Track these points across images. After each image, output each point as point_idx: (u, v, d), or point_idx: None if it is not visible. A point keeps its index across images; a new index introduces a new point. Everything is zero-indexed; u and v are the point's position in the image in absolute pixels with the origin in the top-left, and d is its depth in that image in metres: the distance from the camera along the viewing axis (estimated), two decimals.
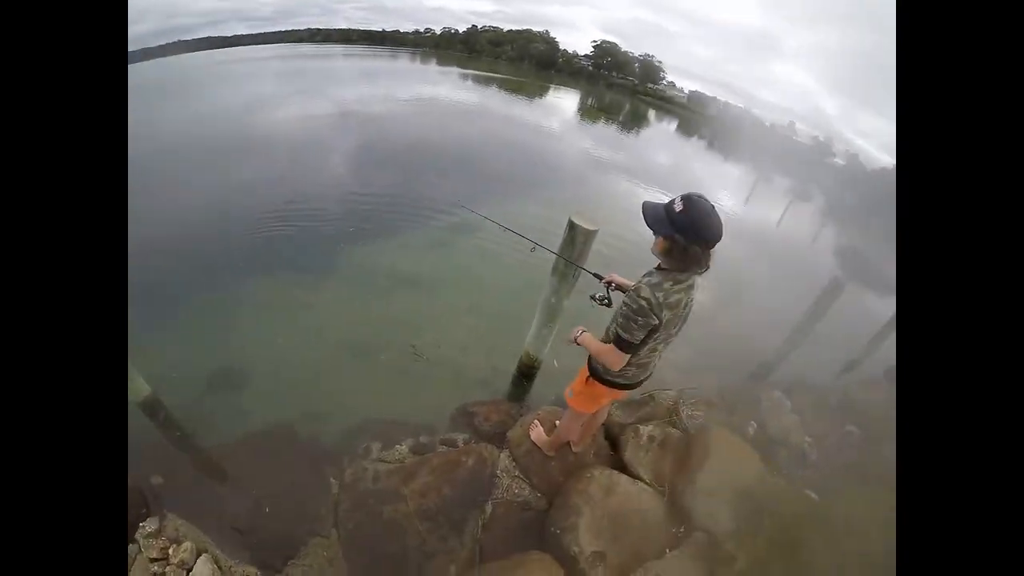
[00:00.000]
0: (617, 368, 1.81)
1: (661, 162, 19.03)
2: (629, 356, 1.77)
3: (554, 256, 3.00)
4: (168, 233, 5.66)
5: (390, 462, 3.04)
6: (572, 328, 2.08)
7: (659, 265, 1.71)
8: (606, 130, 23.80)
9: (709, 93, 74.00)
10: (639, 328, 1.66)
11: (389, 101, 19.45)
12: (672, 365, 4.93)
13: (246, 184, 7.93)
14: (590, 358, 2.09)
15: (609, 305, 2.13)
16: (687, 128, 43.51)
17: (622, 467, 3.00)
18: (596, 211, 4.13)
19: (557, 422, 3.03)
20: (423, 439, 3.26)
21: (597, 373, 2.08)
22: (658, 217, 1.57)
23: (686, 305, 1.73)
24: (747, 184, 19.86)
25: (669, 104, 64.30)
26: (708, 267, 1.62)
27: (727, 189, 17.65)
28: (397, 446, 3.17)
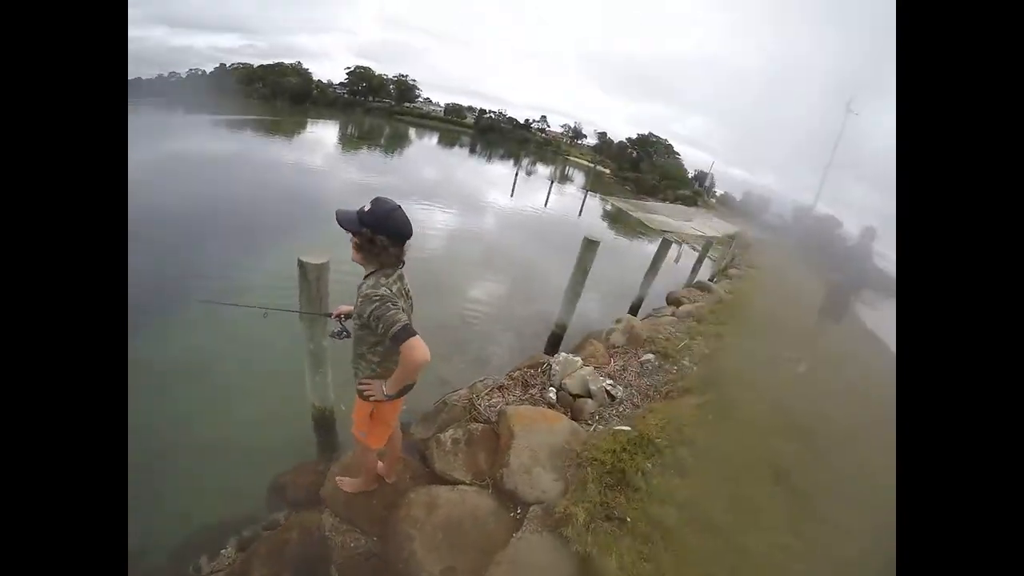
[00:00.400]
0: (427, 357, 1.71)
1: (428, 176, 19.81)
2: (419, 338, 1.72)
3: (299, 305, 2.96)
4: None
5: (222, 570, 2.76)
6: (360, 385, 2.04)
7: (365, 275, 1.84)
8: (370, 157, 23.74)
9: (465, 103, 79.07)
10: (398, 311, 1.71)
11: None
12: (459, 361, 5.00)
13: None
14: (359, 392, 2.06)
15: (349, 335, 2.12)
16: (448, 140, 46.38)
17: (438, 479, 2.95)
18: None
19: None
20: (246, 533, 3.01)
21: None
22: (348, 217, 1.75)
23: (408, 296, 1.92)
24: (510, 179, 21.93)
25: (428, 120, 67.05)
26: (403, 262, 1.84)
27: (495, 186, 19.44)
28: (223, 551, 2.90)
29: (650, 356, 4.99)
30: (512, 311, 6.89)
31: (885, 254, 4.64)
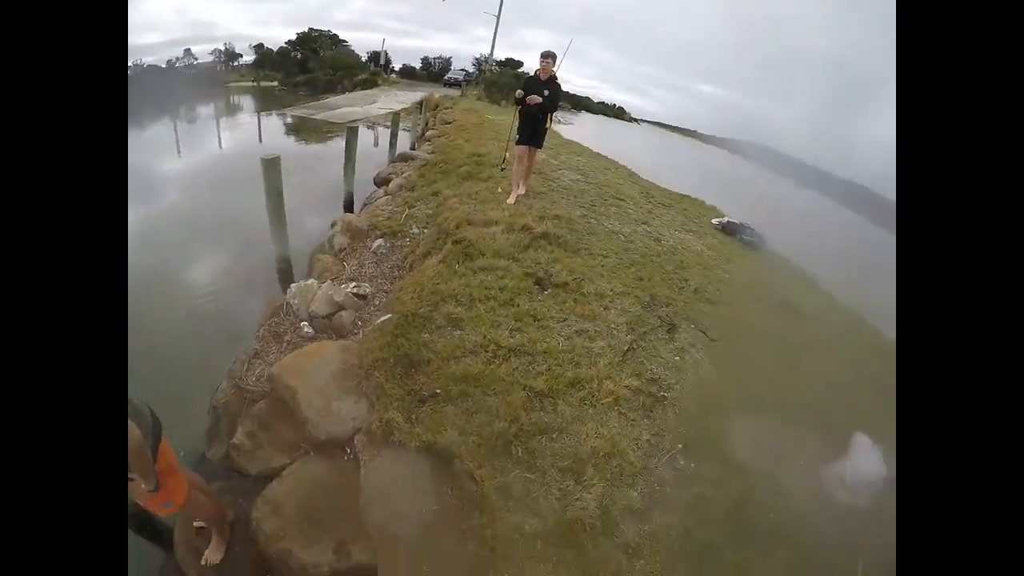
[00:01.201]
0: (136, 439, 1.54)
1: None
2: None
3: None
4: None
5: None
6: None
7: None
8: None
9: None
10: None
11: None
12: (220, 356, 4.21)
13: None
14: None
15: None
16: None
17: (264, 479, 2.60)
18: None
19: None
20: None
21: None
22: None
23: None
24: (170, 136, 17.19)
25: None
26: None
27: (158, 151, 15.00)
28: None
29: (379, 241, 4.90)
30: (240, 273, 5.83)
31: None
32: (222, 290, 5.59)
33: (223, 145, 15.68)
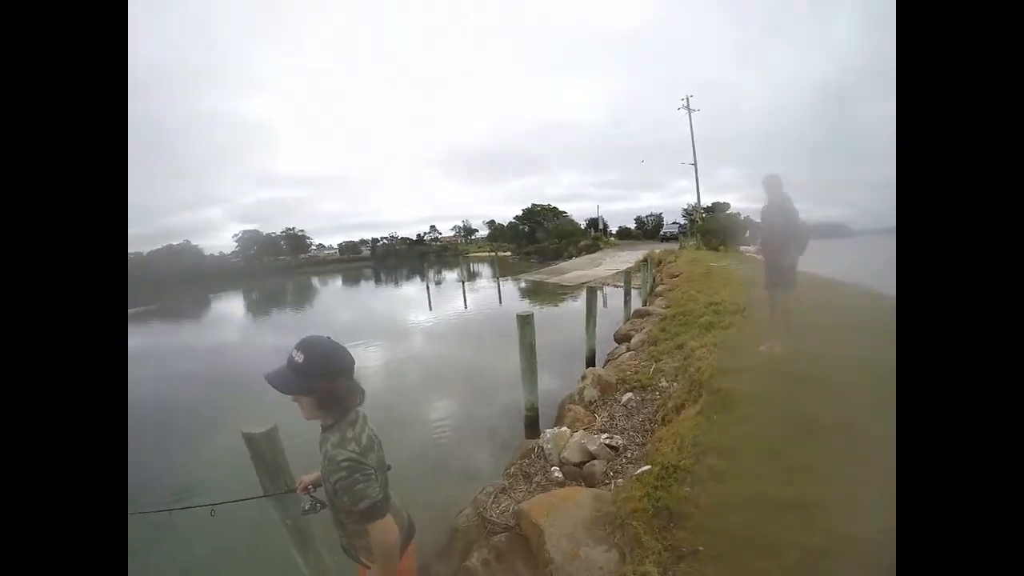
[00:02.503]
0: (394, 539, 1.55)
1: (345, 318, 19.74)
2: (390, 516, 1.55)
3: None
4: None
5: None
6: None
7: (323, 427, 1.57)
8: (282, 316, 23.20)
9: (357, 238, 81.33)
10: (368, 482, 1.46)
11: None
12: (450, 483, 4.74)
13: None
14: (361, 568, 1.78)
15: (324, 507, 1.86)
16: (351, 277, 46.53)
17: None
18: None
19: None
20: None
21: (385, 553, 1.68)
22: (285, 379, 1.46)
23: (376, 443, 1.66)
24: (423, 295, 22.19)
25: (327, 264, 67.09)
26: (363, 391, 1.60)
27: (411, 307, 19.57)
28: None
29: (629, 395, 5.02)
30: (478, 415, 6.73)
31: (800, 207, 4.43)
32: (459, 427, 6.41)
33: (467, 305, 18.77)
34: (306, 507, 1.93)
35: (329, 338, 1.51)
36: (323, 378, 1.45)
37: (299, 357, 1.43)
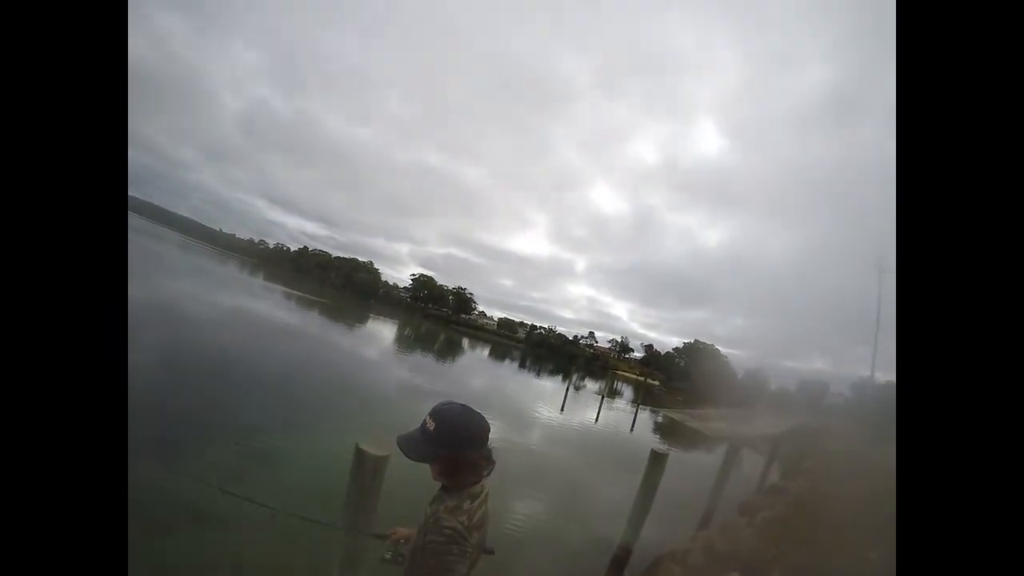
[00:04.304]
0: None
1: (478, 386, 20.11)
2: None
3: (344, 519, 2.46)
4: None
5: None
6: None
7: (443, 487, 1.53)
8: (423, 359, 24.44)
9: (515, 319, 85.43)
10: (460, 559, 1.38)
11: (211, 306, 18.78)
12: None
13: None
14: None
15: (403, 563, 1.74)
16: (499, 352, 48.66)
17: None
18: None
19: None
20: None
21: None
22: (416, 445, 1.45)
23: (485, 522, 1.55)
24: (559, 393, 22.05)
25: (482, 331, 71.21)
26: (494, 463, 1.53)
27: (543, 401, 19.66)
28: None
29: (735, 574, 4.73)
30: (562, 528, 6.45)
31: None
32: (538, 535, 6.06)
33: (598, 419, 18.11)
34: (387, 556, 1.81)
35: (464, 405, 1.49)
36: (450, 448, 1.43)
37: (431, 424, 1.43)
